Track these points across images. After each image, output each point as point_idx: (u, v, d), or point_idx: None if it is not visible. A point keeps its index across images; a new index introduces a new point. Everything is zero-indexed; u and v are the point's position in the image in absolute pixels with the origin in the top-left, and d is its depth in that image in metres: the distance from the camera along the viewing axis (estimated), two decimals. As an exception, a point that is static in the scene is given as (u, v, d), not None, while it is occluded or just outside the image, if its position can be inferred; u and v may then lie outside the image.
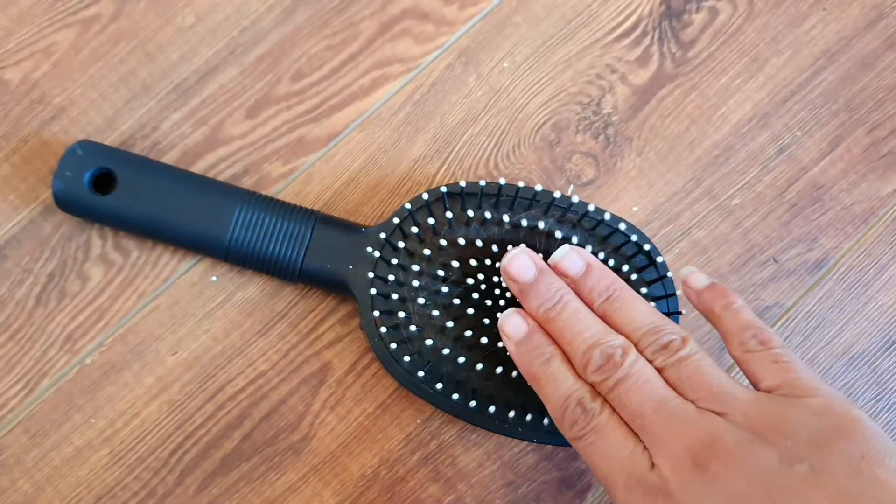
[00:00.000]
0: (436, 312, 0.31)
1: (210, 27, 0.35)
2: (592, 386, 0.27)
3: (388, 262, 0.31)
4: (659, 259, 0.31)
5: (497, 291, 0.31)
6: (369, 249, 0.31)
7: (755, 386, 0.26)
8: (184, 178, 0.32)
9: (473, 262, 0.31)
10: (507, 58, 0.36)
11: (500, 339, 0.30)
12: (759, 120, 0.36)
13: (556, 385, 0.27)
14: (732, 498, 0.23)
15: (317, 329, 0.34)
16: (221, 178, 0.34)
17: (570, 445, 0.28)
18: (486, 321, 0.31)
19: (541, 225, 0.31)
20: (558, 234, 0.31)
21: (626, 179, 0.36)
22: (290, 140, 0.35)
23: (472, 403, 0.30)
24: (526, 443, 0.33)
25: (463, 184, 0.31)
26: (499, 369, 0.30)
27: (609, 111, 0.36)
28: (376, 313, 0.31)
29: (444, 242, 0.31)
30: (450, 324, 0.30)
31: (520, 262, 0.29)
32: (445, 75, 0.36)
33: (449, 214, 0.31)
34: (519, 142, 0.36)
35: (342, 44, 0.36)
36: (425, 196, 0.31)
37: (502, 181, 0.31)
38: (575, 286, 0.29)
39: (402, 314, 0.31)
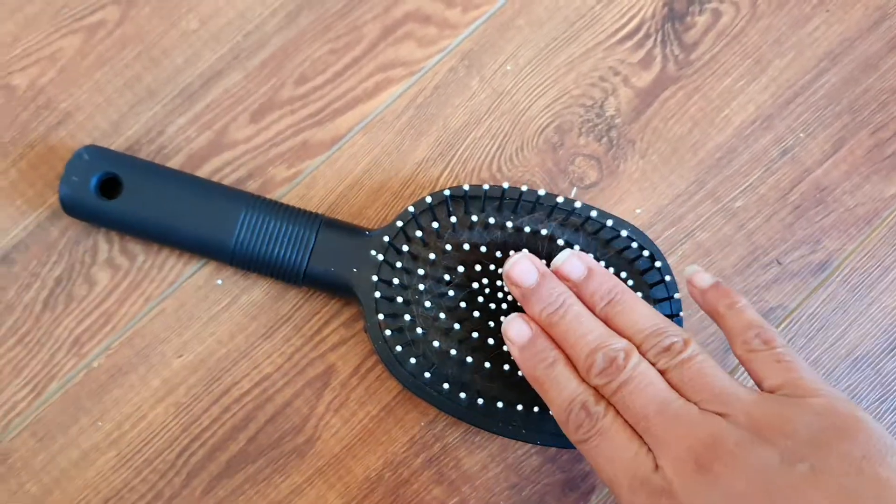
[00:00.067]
0: (440, 315, 0.31)
1: (214, 32, 0.35)
2: (596, 389, 0.27)
3: (392, 266, 0.31)
4: (658, 264, 0.32)
5: (500, 294, 0.31)
6: (373, 253, 0.32)
7: (759, 385, 0.26)
8: (189, 183, 0.32)
9: (477, 266, 0.31)
10: (510, 61, 0.36)
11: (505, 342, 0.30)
12: (763, 122, 0.36)
13: (560, 389, 0.27)
14: (734, 498, 0.23)
15: (321, 332, 0.34)
16: (226, 182, 0.35)
17: (573, 448, 0.28)
18: (491, 324, 0.31)
19: (543, 229, 0.31)
20: (560, 239, 0.31)
21: (629, 182, 0.36)
22: (294, 144, 0.35)
23: (478, 404, 0.31)
24: (530, 445, 0.33)
25: (466, 187, 0.31)
26: (503, 369, 0.31)
27: (612, 113, 0.36)
28: (380, 316, 0.31)
29: (447, 246, 0.31)
30: (455, 326, 0.30)
31: (522, 267, 0.29)
32: (448, 78, 0.36)
33: (452, 218, 0.31)
34: (522, 144, 0.36)
35: (345, 48, 0.36)
36: (428, 199, 0.31)
37: (505, 184, 0.31)
38: (577, 290, 0.29)
39: (406, 317, 0.31)
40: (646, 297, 0.32)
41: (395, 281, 0.31)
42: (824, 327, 0.35)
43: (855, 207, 0.36)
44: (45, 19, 0.35)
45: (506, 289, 0.31)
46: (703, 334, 0.35)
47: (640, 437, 0.26)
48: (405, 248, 0.31)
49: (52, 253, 0.34)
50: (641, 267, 0.32)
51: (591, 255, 0.30)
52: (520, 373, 0.30)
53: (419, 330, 0.31)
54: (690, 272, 0.30)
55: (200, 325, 0.34)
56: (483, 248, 0.31)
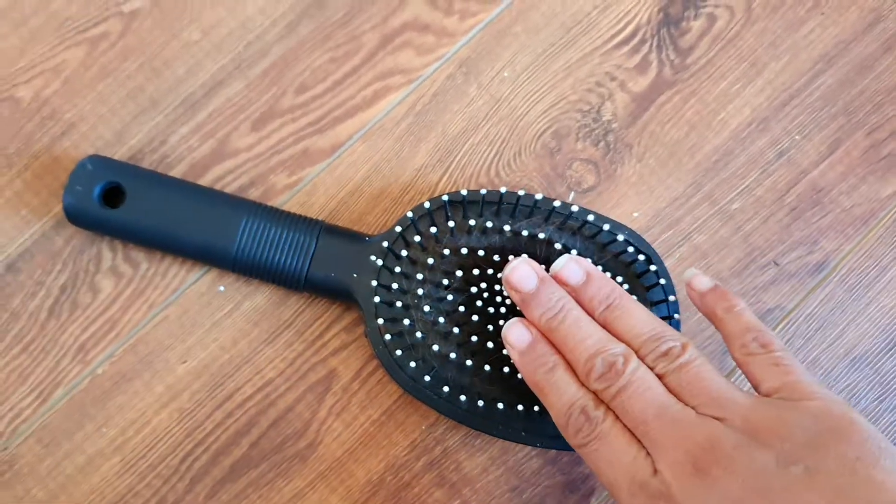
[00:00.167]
0: (439, 319, 0.31)
1: (215, 42, 0.36)
2: (595, 394, 0.27)
3: (392, 271, 0.32)
4: (652, 268, 0.32)
5: (499, 298, 0.31)
6: (372, 258, 0.32)
7: (756, 388, 0.27)
8: (191, 191, 0.33)
9: (475, 271, 0.31)
10: (508, 67, 0.37)
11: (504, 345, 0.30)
12: (759, 124, 0.36)
13: (559, 393, 0.27)
14: (731, 501, 0.23)
15: (322, 337, 0.34)
16: (228, 190, 0.35)
17: (573, 450, 0.28)
18: (490, 327, 0.31)
19: (541, 233, 0.32)
20: (558, 243, 0.31)
21: (626, 185, 0.36)
22: (294, 152, 0.36)
23: (478, 407, 0.31)
24: (530, 448, 0.34)
25: (464, 192, 0.32)
26: (503, 372, 0.31)
27: (609, 118, 0.36)
28: (380, 321, 0.31)
29: (446, 251, 0.32)
30: (454, 330, 0.31)
31: (521, 273, 0.29)
32: (446, 85, 0.36)
33: (451, 223, 0.32)
34: (520, 150, 0.36)
35: (345, 56, 0.36)
36: (427, 204, 0.32)
37: (503, 189, 0.32)
38: (576, 295, 0.29)
39: (405, 321, 0.31)
40: (642, 300, 0.32)
41: (395, 286, 0.32)
42: (822, 328, 0.35)
43: (851, 208, 0.36)
44: (48, 32, 0.35)
45: (504, 292, 0.31)
46: (701, 337, 0.35)
47: (639, 441, 0.26)
48: (404, 253, 0.32)
49: (57, 261, 0.34)
50: (638, 270, 0.32)
51: (589, 260, 0.30)
52: (519, 375, 0.31)
53: (419, 334, 0.31)
54: (689, 275, 0.30)
55: (203, 332, 0.34)
56: (481, 253, 0.32)
